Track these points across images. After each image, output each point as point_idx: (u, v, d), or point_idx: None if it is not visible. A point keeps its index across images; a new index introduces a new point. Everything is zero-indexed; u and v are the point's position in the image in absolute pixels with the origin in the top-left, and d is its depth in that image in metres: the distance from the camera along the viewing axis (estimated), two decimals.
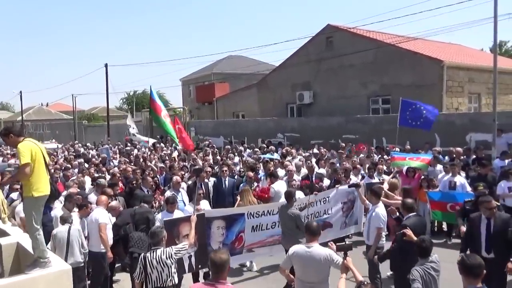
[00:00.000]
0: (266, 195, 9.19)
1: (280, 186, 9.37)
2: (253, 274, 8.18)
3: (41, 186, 4.51)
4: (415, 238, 5.18)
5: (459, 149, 12.43)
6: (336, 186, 8.92)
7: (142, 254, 5.27)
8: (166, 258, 5.02)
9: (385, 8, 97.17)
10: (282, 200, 9.21)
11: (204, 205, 7.98)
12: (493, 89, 12.68)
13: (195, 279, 7.41)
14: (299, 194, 8.49)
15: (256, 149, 16.22)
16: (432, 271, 4.66)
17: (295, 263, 5.04)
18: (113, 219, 7.36)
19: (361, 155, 13.25)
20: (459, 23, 58.77)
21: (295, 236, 6.78)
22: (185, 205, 8.53)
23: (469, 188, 9.55)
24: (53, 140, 32.86)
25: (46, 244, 4.91)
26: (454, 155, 12.06)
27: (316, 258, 4.82)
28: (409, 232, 5.43)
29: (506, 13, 24.56)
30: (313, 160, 12.83)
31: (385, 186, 9.42)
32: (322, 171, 11.34)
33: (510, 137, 13.15)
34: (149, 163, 12.94)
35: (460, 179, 9.85)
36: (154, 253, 5.08)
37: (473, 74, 19.39)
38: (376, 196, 6.99)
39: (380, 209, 6.84)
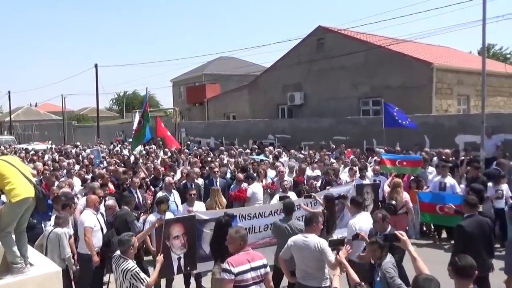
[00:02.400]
0: (243, 195, 9.24)
1: (256, 188, 9.41)
2: None
3: (19, 192, 4.47)
4: (367, 239, 5.32)
5: (447, 150, 12.54)
6: (327, 188, 8.92)
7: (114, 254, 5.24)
8: (123, 272, 4.92)
9: (375, 10, 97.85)
10: (259, 202, 9.17)
11: (199, 206, 7.93)
12: (482, 91, 12.81)
13: (186, 282, 7.38)
14: (291, 195, 8.48)
15: (248, 150, 16.22)
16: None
17: (294, 252, 5.33)
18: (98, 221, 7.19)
19: (352, 157, 13.32)
20: (448, 26, 59.25)
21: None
22: (177, 206, 8.49)
23: (459, 190, 9.61)
24: (50, 141, 32.16)
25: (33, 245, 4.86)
26: (444, 157, 12.17)
27: (312, 248, 5.15)
28: (362, 233, 5.60)
29: (494, 16, 24.80)
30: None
31: (386, 188, 9.51)
32: (317, 172, 11.32)
33: (499, 139, 13.33)
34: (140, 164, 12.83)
35: (450, 180, 9.87)
36: (119, 261, 5.03)
37: (462, 76, 19.60)
38: (356, 206, 6.73)
39: (356, 219, 6.51)
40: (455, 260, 3.99)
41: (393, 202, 8.44)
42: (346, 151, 14.88)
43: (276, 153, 14.91)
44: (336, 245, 4.69)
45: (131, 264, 4.98)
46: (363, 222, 6.43)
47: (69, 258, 6.54)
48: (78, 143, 26.51)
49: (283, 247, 5.92)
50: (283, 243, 5.98)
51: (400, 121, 13.78)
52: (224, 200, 8.59)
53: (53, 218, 6.87)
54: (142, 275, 4.96)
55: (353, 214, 6.75)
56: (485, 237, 5.92)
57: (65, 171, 12.66)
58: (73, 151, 21.33)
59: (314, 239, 5.24)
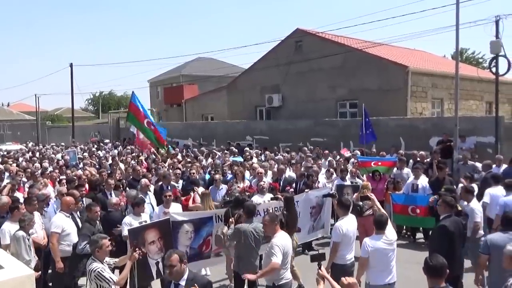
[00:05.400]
0: (187, 203, 8.59)
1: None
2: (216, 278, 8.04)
3: None
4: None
5: (422, 152, 12.80)
6: (306, 190, 8.86)
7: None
8: (89, 272, 4.87)
9: (353, 14, 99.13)
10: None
11: (176, 208, 7.83)
12: (455, 94, 13.13)
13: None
14: (268, 197, 8.44)
15: (226, 152, 16.19)
16: None
17: (285, 255, 5.45)
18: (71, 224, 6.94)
19: (330, 159, 13.43)
20: (422, 30, 60.46)
21: (253, 260, 6.18)
22: (153, 208, 8.38)
23: (431, 191, 9.78)
24: (30, 143, 30.10)
25: None
26: (419, 159, 12.41)
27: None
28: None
29: (467, 22, 25.49)
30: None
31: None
32: (293, 174, 11.31)
33: (472, 142, 13.70)
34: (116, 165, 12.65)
35: (423, 181, 10.04)
36: (88, 261, 5.00)
37: (436, 80, 20.03)
38: (343, 208, 6.43)
39: (343, 222, 6.24)
40: (426, 259, 4.06)
41: (360, 203, 8.35)
42: (343, 149, 15.03)
43: (254, 153, 14.87)
44: (317, 260, 4.61)
45: (94, 264, 4.91)
46: (349, 225, 6.26)
47: (26, 263, 6.25)
48: (54, 144, 25.90)
49: (243, 251, 6.05)
50: (245, 248, 6.03)
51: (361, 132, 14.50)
52: (213, 205, 8.36)
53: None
54: (107, 274, 4.83)
55: (340, 215, 6.46)
56: (460, 236, 6.09)
57: (39, 171, 12.33)
58: (48, 152, 20.83)
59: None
